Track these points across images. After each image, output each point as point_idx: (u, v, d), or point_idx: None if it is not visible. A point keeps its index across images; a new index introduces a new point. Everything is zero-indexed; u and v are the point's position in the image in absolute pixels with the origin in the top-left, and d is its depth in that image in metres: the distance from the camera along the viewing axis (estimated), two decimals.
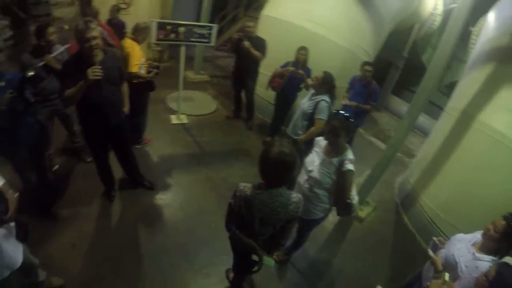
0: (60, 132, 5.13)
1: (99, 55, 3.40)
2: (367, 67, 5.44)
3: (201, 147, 6.22)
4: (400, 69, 10.48)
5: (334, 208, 3.39)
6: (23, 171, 3.77)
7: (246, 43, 5.97)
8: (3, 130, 3.34)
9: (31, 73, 3.46)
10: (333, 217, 4.33)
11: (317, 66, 5.32)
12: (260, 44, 6.06)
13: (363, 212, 5.05)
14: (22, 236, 2.53)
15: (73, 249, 3.81)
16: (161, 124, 6.74)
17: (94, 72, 3.21)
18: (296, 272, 4.06)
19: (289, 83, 5.67)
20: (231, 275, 3.37)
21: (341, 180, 3.09)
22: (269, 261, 2.51)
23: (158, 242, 4.08)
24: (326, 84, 4.42)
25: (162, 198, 4.80)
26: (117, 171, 4.66)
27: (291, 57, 5.70)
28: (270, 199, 2.28)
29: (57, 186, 4.58)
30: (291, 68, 5.50)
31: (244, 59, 6.26)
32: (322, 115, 4.30)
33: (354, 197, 3.19)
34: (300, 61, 5.60)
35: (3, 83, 3.26)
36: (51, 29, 4.13)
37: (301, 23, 6.25)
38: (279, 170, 2.18)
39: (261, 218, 2.35)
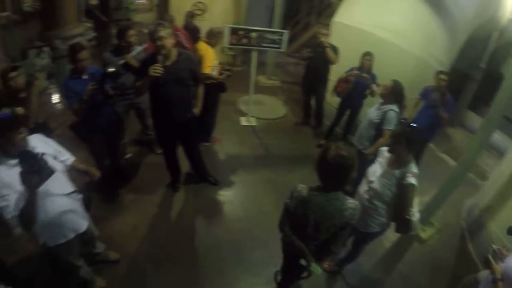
0: (135, 124, 5.63)
1: (170, 55, 3.68)
2: (442, 76, 5.10)
3: (267, 150, 6.33)
4: (478, 81, 9.75)
5: (393, 225, 3.24)
6: (98, 155, 4.28)
7: (324, 41, 5.89)
8: (84, 117, 3.84)
9: (111, 69, 3.83)
10: (392, 235, 4.12)
11: (387, 74, 5.14)
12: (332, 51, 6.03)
13: (425, 233, 4.69)
14: (87, 206, 2.93)
15: (133, 230, 4.21)
16: (231, 125, 6.99)
17: (155, 70, 3.46)
18: (345, 286, 3.92)
19: (354, 89, 5.56)
20: (279, 277, 3.36)
21: (401, 193, 2.96)
22: (316, 269, 2.49)
23: (213, 235, 4.26)
24: (395, 93, 4.25)
25: (224, 195, 4.99)
26: (185, 165, 4.96)
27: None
28: (327, 201, 2.27)
29: (127, 172, 5.10)
30: (356, 72, 5.41)
31: (315, 65, 6.25)
32: (391, 126, 4.13)
33: (415, 214, 3.02)
34: (365, 67, 5.47)
35: (86, 77, 3.78)
36: (131, 32, 4.56)
37: (371, 29, 6.10)
38: (336, 172, 2.16)
39: (315, 221, 2.35)
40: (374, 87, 4.95)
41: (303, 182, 2.32)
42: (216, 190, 5.02)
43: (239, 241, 4.20)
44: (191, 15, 7.75)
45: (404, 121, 3.05)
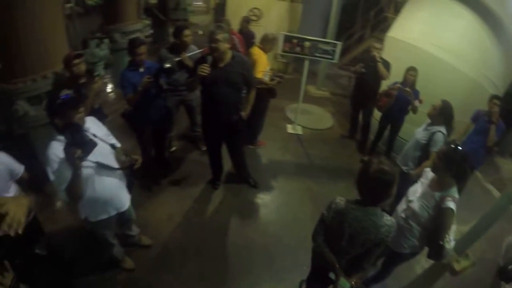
0: (184, 120, 5.87)
1: (224, 58, 3.81)
2: (496, 101, 4.79)
3: (310, 159, 6.30)
4: None
5: (426, 250, 3.11)
6: (145, 144, 4.53)
7: (376, 55, 5.75)
8: (136, 107, 4.09)
9: (168, 65, 4.12)
10: (424, 261, 4.02)
11: (438, 94, 4.94)
12: (384, 66, 5.90)
13: (459, 265, 4.27)
14: (129, 189, 3.13)
15: (168, 220, 4.40)
16: (277, 131, 7.05)
17: (202, 69, 3.63)
18: None
19: (396, 104, 5.39)
20: (304, 287, 3.31)
21: (439, 217, 2.83)
22: (345, 284, 2.45)
23: (245, 236, 4.31)
24: (444, 114, 4.08)
25: (261, 198, 5.03)
26: (227, 165, 5.09)
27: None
28: (364, 216, 2.26)
29: (171, 164, 5.32)
30: (399, 85, 5.23)
31: (366, 80, 6.11)
32: (437, 148, 3.90)
33: (450, 241, 2.88)
34: (409, 82, 5.27)
35: (142, 69, 4.05)
36: (187, 32, 4.73)
37: (425, 46, 5.88)
38: (377, 187, 2.15)
39: (350, 234, 2.33)
40: (416, 102, 4.85)
41: (342, 195, 2.30)
42: (254, 193, 5.07)
43: (270, 245, 4.21)
44: (246, 21, 7.87)
45: (452, 144, 2.90)
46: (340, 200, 2.36)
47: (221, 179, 5.07)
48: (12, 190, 2.76)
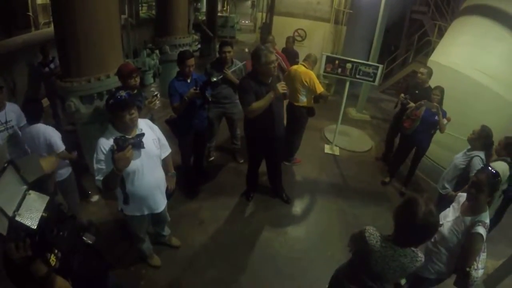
0: (225, 132, 6.10)
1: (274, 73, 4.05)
2: None
3: (345, 180, 6.29)
4: None
5: (453, 277, 3.06)
6: (185, 152, 4.79)
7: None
8: (181, 116, 4.35)
9: (215, 79, 4.42)
10: None
11: (479, 120, 4.87)
12: (427, 94, 5.60)
13: None
14: (169, 194, 3.39)
15: (200, 225, 4.61)
16: (314, 150, 7.13)
17: (283, 87, 3.90)
18: None
19: (422, 125, 5.28)
20: None
21: (467, 242, 2.77)
22: None
23: (272, 248, 4.40)
24: (483, 139, 4.05)
25: (292, 214, 5.10)
26: (262, 178, 5.24)
27: (455, 111, 5.32)
28: (392, 257, 2.15)
29: (208, 173, 5.56)
30: (425, 100, 5.15)
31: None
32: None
33: (478, 270, 2.83)
34: (434, 102, 5.19)
35: (189, 81, 4.34)
36: (227, 48, 5.01)
37: (467, 72, 5.76)
38: (426, 231, 2.08)
39: (376, 272, 2.25)
40: (444, 121, 4.82)
41: (374, 219, 2.27)
42: (286, 208, 5.15)
43: (295, 260, 4.24)
44: (292, 40, 8.09)
45: (487, 168, 2.87)
46: (373, 233, 2.25)
47: (255, 191, 5.21)
48: None
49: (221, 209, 4.90)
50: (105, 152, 2.68)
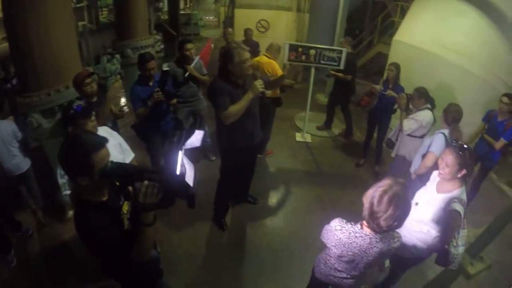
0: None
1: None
2: (504, 99, 4.63)
3: (319, 166, 6.32)
4: None
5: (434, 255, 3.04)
6: (155, 155, 4.62)
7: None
8: (146, 119, 4.22)
9: (166, 68, 4.22)
10: (438, 267, 3.95)
11: (448, 95, 4.95)
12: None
13: (473, 268, 4.26)
14: None
15: (176, 229, 4.49)
16: (286, 140, 7.12)
17: (261, 85, 3.42)
18: None
19: (380, 103, 5.38)
20: None
21: (444, 220, 2.73)
22: None
23: (252, 243, 4.37)
24: (423, 96, 4.31)
25: (269, 205, 5.07)
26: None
27: (419, 84, 5.07)
28: (369, 244, 2.13)
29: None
30: (378, 87, 5.24)
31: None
32: (434, 148, 3.82)
33: (458, 247, 2.79)
34: (389, 78, 5.31)
35: (152, 83, 4.21)
36: (189, 45, 4.93)
37: (432, 49, 5.89)
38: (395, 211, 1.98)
39: (353, 260, 2.26)
40: (401, 96, 4.75)
41: (351, 203, 2.21)
42: (261, 200, 5.09)
43: (276, 252, 4.23)
44: (250, 32, 8.11)
45: (456, 143, 2.84)
46: (344, 225, 2.22)
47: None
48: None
49: (195, 209, 4.74)
50: None
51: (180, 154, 1.76)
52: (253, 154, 4.29)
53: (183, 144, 1.91)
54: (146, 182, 1.72)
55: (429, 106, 4.44)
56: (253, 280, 3.85)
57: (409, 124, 4.44)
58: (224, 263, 4.05)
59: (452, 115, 3.86)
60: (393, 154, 4.98)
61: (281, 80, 4.17)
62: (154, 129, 4.39)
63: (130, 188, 2.12)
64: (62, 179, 2.68)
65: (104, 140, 1.83)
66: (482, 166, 4.95)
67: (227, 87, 3.47)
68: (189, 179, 1.78)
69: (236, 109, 3.40)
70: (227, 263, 4.05)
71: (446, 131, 3.89)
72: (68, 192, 2.67)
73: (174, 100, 4.50)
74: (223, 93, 3.43)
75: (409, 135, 4.58)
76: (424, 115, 4.39)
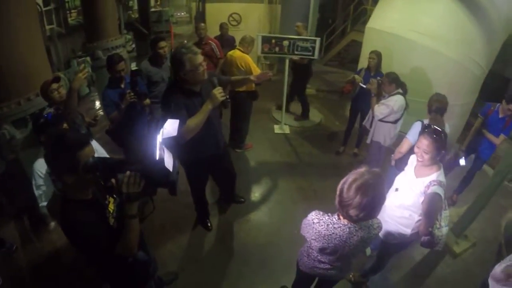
0: None
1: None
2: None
3: (299, 157, 6.34)
4: None
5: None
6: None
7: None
8: (121, 123, 4.08)
9: (135, 68, 4.02)
10: (424, 249, 3.98)
11: (423, 80, 5.00)
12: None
13: (458, 247, 4.39)
14: None
15: (161, 230, 4.40)
16: (264, 133, 7.11)
17: (221, 93, 3.00)
18: None
19: (362, 90, 5.38)
20: None
21: (425, 204, 2.73)
22: None
23: (239, 239, 4.36)
24: (394, 81, 4.39)
25: (252, 200, 5.05)
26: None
27: (395, 71, 5.11)
28: (349, 234, 2.11)
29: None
30: (358, 78, 5.29)
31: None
32: (409, 136, 3.84)
33: (441, 228, 2.85)
34: (371, 66, 5.39)
35: (123, 86, 4.07)
36: (162, 43, 4.82)
37: (405, 34, 5.91)
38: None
39: (335, 250, 2.25)
40: (369, 85, 4.81)
41: (332, 190, 2.18)
42: (245, 195, 5.05)
43: (263, 247, 4.22)
44: (226, 26, 7.95)
45: (429, 127, 2.85)
46: (321, 217, 2.21)
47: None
48: None
49: (178, 208, 4.67)
50: (42, 175, 2.56)
51: (158, 139, 1.77)
52: (223, 160, 4.02)
53: (160, 130, 1.92)
54: (128, 172, 1.77)
55: (400, 91, 4.50)
56: (241, 277, 3.83)
57: (380, 109, 4.50)
58: (210, 262, 4.02)
59: (435, 105, 3.86)
60: (368, 141, 5.07)
61: (246, 82, 4.07)
62: (128, 133, 4.23)
63: (113, 180, 2.12)
64: (38, 190, 2.61)
65: (88, 138, 1.90)
66: (477, 158, 4.96)
67: (182, 98, 3.07)
68: (169, 165, 1.79)
69: (194, 123, 3.02)
70: (213, 261, 4.02)
71: (426, 120, 3.87)
72: (45, 203, 2.60)
73: (147, 101, 4.33)
74: (178, 109, 3.01)
75: (381, 120, 4.65)
76: (395, 100, 4.44)
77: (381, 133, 4.78)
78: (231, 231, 4.47)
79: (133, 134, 4.24)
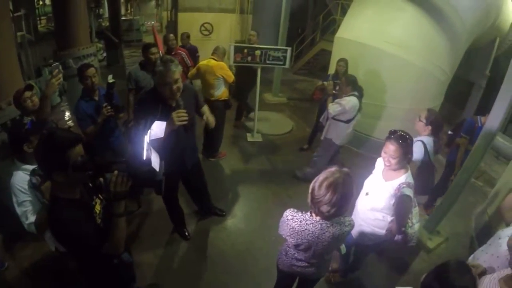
0: None
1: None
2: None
3: (272, 164, 6.44)
4: (483, 89, 9.72)
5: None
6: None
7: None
8: (96, 137, 3.94)
9: (112, 80, 3.99)
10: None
11: (390, 86, 5.23)
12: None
13: (432, 242, 4.62)
14: None
15: (136, 240, 4.35)
16: (237, 141, 7.18)
17: (180, 117, 2.89)
18: None
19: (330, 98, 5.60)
20: None
21: (396, 206, 2.83)
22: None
23: (216, 248, 4.36)
24: (351, 83, 4.70)
25: (228, 209, 5.05)
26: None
27: (365, 81, 5.54)
28: (321, 230, 2.21)
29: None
30: (327, 83, 5.39)
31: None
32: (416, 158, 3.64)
33: (413, 225, 2.97)
34: (339, 72, 5.67)
35: (97, 98, 3.96)
36: (153, 49, 4.87)
37: (372, 43, 6.16)
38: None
39: (308, 247, 2.35)
40: (327, 85, 5.23)
41: (307, 194, 2.28)
42: (220, 204, 5.02)
43: (242, 253, 4.26)
44: (186, 36, 8.08)
45: (397, 132, 2.92)
46: (294, 214, 2.34)
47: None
48: None
49: (154, 219, 4.69)
50: (24, 190, 2.47)
51: (146, 139, 1.84)
52: (192, 174, 4.00)
53: (148, 131, 1.99)
54: (115, 172, 1.83)
55: (356, 93, 4.79)
56: (222, 284, 3.85)
57: (333, 107, 4.77)
58: (189, 270, 4.01)
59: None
60: (322, 137, 5.35)
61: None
62: (103, 146, 4.11)
63: (101, 179, 2.19)
64: (21, 207, 2.46)
65: (79, 137, 1.96)
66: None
67: (150, 104, 3.05)
68: (155, 165, 1.86)
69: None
70: (192, 270, 4.01)
71: (425, 139, 3.70)
72: (32, 219, 2.45)
73: (122, 114, 4.28)
74: (138, 112, 3.09)
75: (334, 118, 4.93)
76: (348, 100, 4.73)
77: (334, 131, 5.10)
78: (208, 240, 4.48)
79: (107, 149, 4.19)
